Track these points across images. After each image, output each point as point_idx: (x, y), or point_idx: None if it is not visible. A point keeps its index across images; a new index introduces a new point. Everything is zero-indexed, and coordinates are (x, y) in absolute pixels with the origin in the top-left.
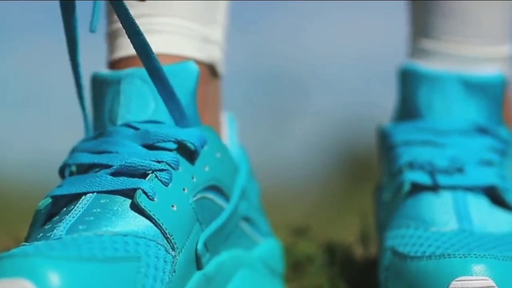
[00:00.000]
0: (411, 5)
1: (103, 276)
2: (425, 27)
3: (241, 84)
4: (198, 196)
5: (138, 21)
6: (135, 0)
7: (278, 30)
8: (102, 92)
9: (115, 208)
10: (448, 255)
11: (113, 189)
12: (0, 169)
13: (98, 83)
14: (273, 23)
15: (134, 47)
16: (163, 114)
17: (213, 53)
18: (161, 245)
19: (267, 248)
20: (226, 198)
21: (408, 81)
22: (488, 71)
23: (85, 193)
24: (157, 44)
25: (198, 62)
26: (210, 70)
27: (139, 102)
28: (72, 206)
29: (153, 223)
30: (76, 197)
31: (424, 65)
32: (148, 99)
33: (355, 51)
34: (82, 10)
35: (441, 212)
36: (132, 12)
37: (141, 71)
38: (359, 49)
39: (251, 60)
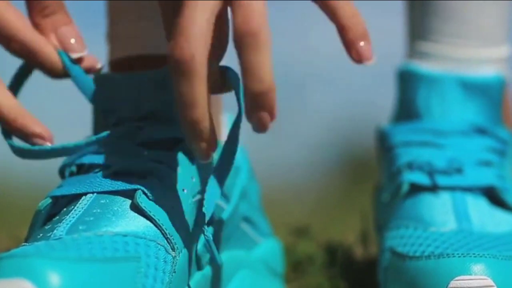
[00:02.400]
0: (408, 7)
1: (103, 277)
2: (423, 30)
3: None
4: (198, 196)
5: (141, 24)
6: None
7: (279, 30)
8: (104, 92)
9: (115, 208)
10: (447, 254)
11: (113, 189)
12: (0, 169)
13: (100, 83)
14: (273, 23)
15: None
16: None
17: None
18: (161, 245)
19: (267, 248)
20: (226, 198)
21: (407, 82)
22: (487, 72)
23: (85, 194)
24: (159, 46)
25: None
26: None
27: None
28: (72, 207)
29: (153, 223)
30: (76, 197)
31: (423, 66)
32: None
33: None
34: (83, 10)
35: (440, 212)
36: (133, 15)
37: (142, 73)
38: None
39: None
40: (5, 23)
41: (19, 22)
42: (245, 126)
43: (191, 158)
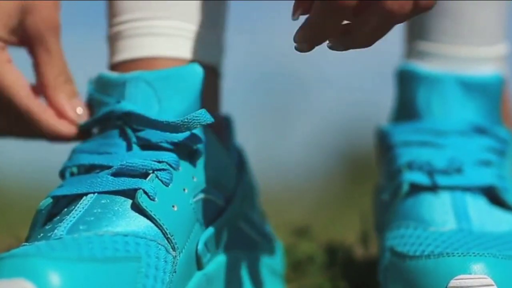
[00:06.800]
0: None
1: (103, 276)
2: (422, 29)
3: (241, 84)
4: (199, 196)
5: (140, 24)
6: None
7: (279, 29)
8: (106, 93)
9: (116, 208)
10: (447, 254)
11: (114, 189)
12: (0, 169)
13: (103, 84)
14: (273, 22)
15: None
16: (167, 116)
17: (215, 55)
18: (161, 245)
19: (267, 248)
20: (227, 198)
21: (406, 82)
22: (486, 71)
23: (86, 194)
24: (160, 47)
25: (200, 64)
26: (211, 72)
27: (143, 104)
28: (73, 206)
29: (153, 223)
30: (77, 197)
31: (422, 66)
32: (152, 101)
33: (355, 51)
34: (84, 10)
35: (440, 212)
36: (135, 15)
37: (146, 74)
38: (359, 49)
39: (251, 60)
40: (5, 87)
41: (18, 86)
42: (246, 126)
43: (192, 158)
